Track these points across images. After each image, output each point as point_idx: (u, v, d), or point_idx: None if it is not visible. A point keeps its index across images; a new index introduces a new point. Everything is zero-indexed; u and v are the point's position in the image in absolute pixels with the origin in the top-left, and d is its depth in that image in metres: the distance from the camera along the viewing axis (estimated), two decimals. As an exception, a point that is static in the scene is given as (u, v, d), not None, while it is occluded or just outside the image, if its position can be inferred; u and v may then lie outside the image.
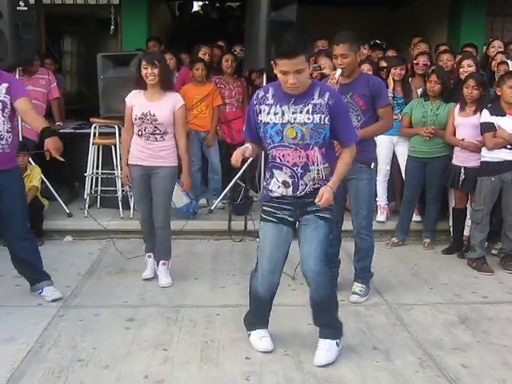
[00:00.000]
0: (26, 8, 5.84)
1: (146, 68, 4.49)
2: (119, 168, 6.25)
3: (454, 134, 5.44)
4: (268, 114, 3.35)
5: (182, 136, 4.67)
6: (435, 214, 5.82)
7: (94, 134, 6.32)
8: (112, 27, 8.32)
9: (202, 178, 6.74)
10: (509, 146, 5.02)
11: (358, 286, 4.49)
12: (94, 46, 10.16)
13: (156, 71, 4.49)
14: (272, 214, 3.45)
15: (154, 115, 4.52)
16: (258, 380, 3.31)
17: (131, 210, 6.19)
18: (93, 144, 6.29)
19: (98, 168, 6.43)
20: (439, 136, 5.55)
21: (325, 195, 3.26)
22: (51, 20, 8.87)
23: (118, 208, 6.21)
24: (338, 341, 3.55)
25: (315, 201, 3.28)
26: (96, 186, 6.54)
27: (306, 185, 3.38)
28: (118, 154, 6.23)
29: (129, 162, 4.69)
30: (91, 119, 6.35)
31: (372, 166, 4.32)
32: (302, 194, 3.39)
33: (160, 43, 7.84)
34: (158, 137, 4.57)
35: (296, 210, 3.44)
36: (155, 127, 4.54)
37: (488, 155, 5.10)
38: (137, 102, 4.59)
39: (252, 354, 3.58)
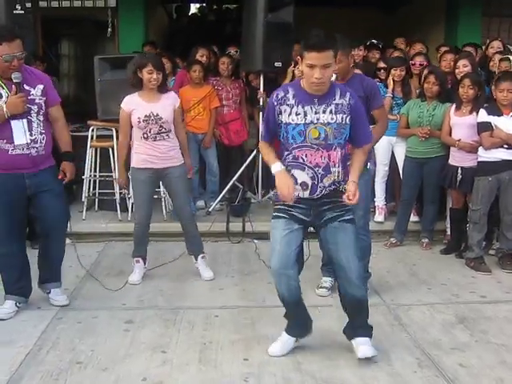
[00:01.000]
0: (23, 11, 5.84)
1: (151, 73, 4.53)
2: (117, 171, 6.25)
3: (450, 134, 5.45)
4: (290, 114, 3.34)
5: (183, 130, 4.93)
6: (433, 214, 5.83)
7: (92, 136, 6.32)
8: (109, 30, 8.31)
9: (200, 180, 6.74)
10: (506, 146, 5.03)
11: None
12: (91, 49, 10.13)
13: (160, 77, 4.57)
14: (285, 210, 3.43)
15: (157, 115, 4.57)
16: (257, 381, 3.31)
17: (129, 213, 6.19)
18: (90, 147, 6.29)
19: (95, 171, 6.43)
20: (435, 136, 5.56)
21: (356, 193, 3.31)
22: (48, 23, 8.87)
23: (116, 211, 6.21)
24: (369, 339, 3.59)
25: (347, 201, 3.32)
26: (94, 188, 6.54)
27: (325, 187, 3.38)
28: (115, 156, 6.22)
29: (135, 166, 4.70)
30: (89, 122, 6.36)
31: (368, 167, 4.32)
32: (319, 196, 3.39)
33: (156, 47, 7.85)
34: (164, 135, 4.63)
35: (310, 210, 3.42)
36: (160, 126, 4.60)
37: (485, 155, 5.11)
38: (136, 105, 4.61)
39: (250, 356, 3.58)
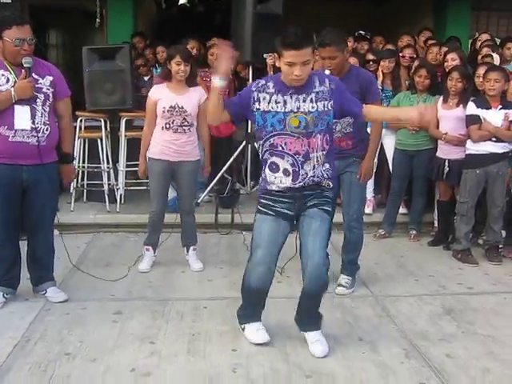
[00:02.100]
0: (10, 0, 5.80)
1: (179, 64, 4.58)
2: (105, 162, 6.24)
3: (438, 127, 5.47)
4: (269, 102, 3.34)
5: (206, 128, 4.95)
6: (421, 206, 5.87)
7: (80, 127, 6.29)
8: (97, 20, 8.24)
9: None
10: (494, 139, 5.06)
11: (344, 278, 4.52)
12: (79, 39, 10.06)
13: (188, 69, 4.62)
14: (270, 206, 3.44)
15: (182, 107, 4.63)
16: (245, 372, 3.32)
17: (118, 204, 6.18)
18: (79, 137, 6.25)
19: (84, 162, 6.41)
20: (425, 129, 5.59)
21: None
22: (36, 13, 8.79)
23: (105, 202, 6.20)
24: (322, 330, 3.60)
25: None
26: (82, 179, 6.52)
27: (307, 174, 3.38)
28: (104, 147, 6.21)
29: (151, 156, 4.75)
30: (77, 112, 6.30)
31: None
32: (302, 184, 3.39)
33: (145, 38, 7.81)
34: (185, 129, 4.69)
35: (295, 203, 3.43)
36: (184, 119, 4.65)
37: (473, 148, 5.14)
38: (163, 95, 4.67)
39: (239, 346, 3.59)
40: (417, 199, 5.86)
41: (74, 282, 4.64)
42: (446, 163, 5.40)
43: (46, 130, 3.95)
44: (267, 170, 3.45)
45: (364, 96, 4.12)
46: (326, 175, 3.43)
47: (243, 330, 3.69)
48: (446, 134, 5.36)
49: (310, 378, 3.29)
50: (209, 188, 6.45)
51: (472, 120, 5.12)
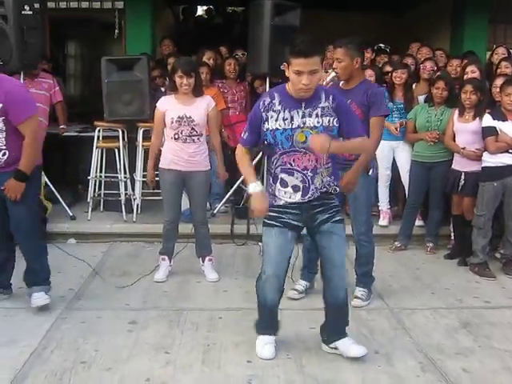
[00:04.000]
0: (31, 12, 5.86)
1: (181, 78, 4.61)
2: (122, 171, 6.28)
3: (454, 139, 5.45)
4: (276, 120, 3.35)
5: (217, 135, 5.00)
6: (438, 218, 5.83)
7: (98, 137, 6.35)
8: (116, 31, 8.34)
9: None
10: (511, 151, 5.03)
11: (359, 291, 4.50)
12: (98, 50, 10.16)
13: (191, 81, 4.64)
14: (276, 218, 3.47)
15: (190, 117, 4.66)
16: (260, 383, 3.32)
17: (134, 214, 6.21)
18: (96, 147, 6.31)
19: (101, 171, 6.45)
20: (443, 141, 5.57)
21: (320, 137, 3.26)
22: (56, 24, 8.90)
23: (121, 211, 6.23)
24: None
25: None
26: (99, 189, 6.57)
27: (316, 189, 3.41)
28: (121, 157, 6.26)
29: (162, 167, 4.80)
30: (95, 123, 6.38)
31: (370, 173, 4.31)
32: (311, 198, 3.42)
33: (174, 44, 7.84)
34: (195, 138, 4.71)
35: (302, 214, 3.46)
36: (192, 129, 4.68)
37: (490, 160, 5.11)
38: (170, 106, 4.71)
39: (254, 358, 3.58)
40: (433, 212, 5.83)
41: (89, 291, 4.67)
42: (462, 176, 5.36)
43: (3, 155, 3.95)
44: (278, 185, 3.46)
45: (369, 109, 4.15)
46: (332, 184, 3.47)
47: (257, 339, 3.70)
48: (463, 148, 5.33)
49: (324, 390, 3.28)
50: (225, 199, 6.46)
51: (489, 132, 5.09)
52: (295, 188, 3.41)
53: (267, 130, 3.37)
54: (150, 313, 4.25)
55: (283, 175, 3.43)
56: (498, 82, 5.30)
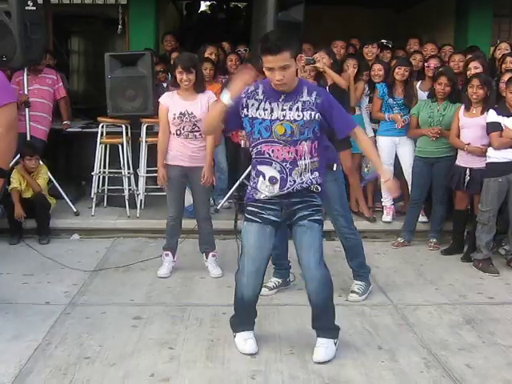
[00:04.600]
0: (35, 8, 5.87)
1: (181, 73, 4.60)
2: (126, 167, 6.29)
3: (459, 136, 5.44)
4: (257, 109, 3.38)
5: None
6: (441, 214, 5.83)
7: (102, 133, 6.35)
8: (119, 27, 8.33)
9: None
10: (515, 147, 5.02)
11: (356, 285, 4.51)
12: (101, 46, 10.18)
13: (191, 77, 4.62)
14: (256, 213, 3.48)
15: (191, 113, 4.65)
16: (264, 379, 3.32)
17: (138, 209, 6.22)
18: (100, 143, 6.31)
19: (105, 167, 6.46)
20: (446, 136, 5.56)
21: (393, 186, 3.43)
22: (59, 19, 8.91)
23: (125, 207, 6.23)
24: (335, 341, 3.57)
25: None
26: (103, 185, 6.57)
27: (295, 181, 3.40)
28: (125, 153, 6.26)
29: (166, 162, 4.78)
30: (99, 118, 6.38)
31: (334, 168, 4.29)
32: (290, 190, 3.40)
33: (176, 40, 7.83)
34: (196, 134, 4.70)
35: (282, 210, 3.46)
36: (194, 125, 4.67)
37: (495, 156, 5.09)
38: (172, 102, 4.70)
39: (257, 353, 3.58)
40: (437, 207, 5.83)
41: (93, 286, 4.68)
42: (467, 172, 5.35)
43: None
44: (255, 179, 3.47)
45: None
46: (314, 182, 3.45)
47: (234, 337, 3.69)
48: (468, 144, 5.32)
49: (328, 385, 3.28)
50: (228, 194, 6.47)
51: (493, 127, 5.08)
52: (272, 180, 3.40)
53: (245, 116, 3.40)
54: (154, 308, 4.26)
55: (261, 167, 3.43)
56: (506, 77, 5.29)
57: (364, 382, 3.31)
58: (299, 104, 3.36)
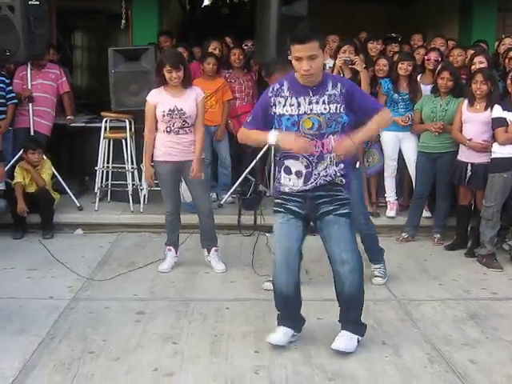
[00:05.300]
0: (38, 2, 5.87)
1: (170, 72, 4.57)
2: (129, 162, 6.29)
3: (461, 130, 5.42)
4: (284, 106, 3.41)
5: (202, 125, 4.82)
6: (445, 209, 5.81)
7: (105, 128, 6.35)
8: (123, 21, 8.32)
9: (212, 173, 6.75)
10: (521, 142, 5.00)
11: (377, 268, 4.62)
12: (104, 41, 10.16)
13: (180, 74, 4.59)
14: (281, 205, 3.52)
15: (181, 109, 4.62)
16: (267, 373, 3.33)
17: (141, 204, 6.22)
18: (104, 138, 6.32)
19: (108, 162, 6.46)
20: (448, 131, 5.55)
21: (343, 143, 3.33)
22: (62, 14, 8.90)
23: (129, 202, 6.24)
24: (359, 338, 3.58)
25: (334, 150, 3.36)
26: (106, 179, 6.58)
27: (319, 174, 3.41)
28: (128, 147, 6.26)
29: (156, 159, 4.75)
30: (102, 113, 6.38)
31: (357, 166, 4.35)
32: (314, 184, 3.42)
33: (172, 38, 7.83)
34: (187, 130, 4.69)
35: (305, 203, 3.46)
36: (184, 121, 4.65)
37: (500, 151, 5.07)
38: (161, 99, 4.66)
39: (261, 348, 3.59)
40: (440, 203, 5.81)
41: (97, 281, 4.68)
42: (469, 167, 5.34)
43: None
44: (282, 173, 3.51)
45: None
46: (338, 174, 3.45)
47: None
48: (470, 139, 5.30)
49: (332, 380, 3.28)
50: (232, 189, 6.46)
51: (499, 122, 5.06)
52: (298, 174, 3.44)
53: (274, 114, 3.42)
54: (158, 303, 4.26)
55: (288, 161, 3.46)
56: None
57: (368, 377, 3.31)
58: (325, 97, 3.38)
